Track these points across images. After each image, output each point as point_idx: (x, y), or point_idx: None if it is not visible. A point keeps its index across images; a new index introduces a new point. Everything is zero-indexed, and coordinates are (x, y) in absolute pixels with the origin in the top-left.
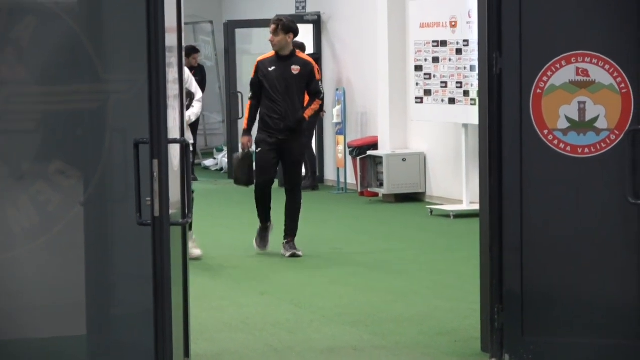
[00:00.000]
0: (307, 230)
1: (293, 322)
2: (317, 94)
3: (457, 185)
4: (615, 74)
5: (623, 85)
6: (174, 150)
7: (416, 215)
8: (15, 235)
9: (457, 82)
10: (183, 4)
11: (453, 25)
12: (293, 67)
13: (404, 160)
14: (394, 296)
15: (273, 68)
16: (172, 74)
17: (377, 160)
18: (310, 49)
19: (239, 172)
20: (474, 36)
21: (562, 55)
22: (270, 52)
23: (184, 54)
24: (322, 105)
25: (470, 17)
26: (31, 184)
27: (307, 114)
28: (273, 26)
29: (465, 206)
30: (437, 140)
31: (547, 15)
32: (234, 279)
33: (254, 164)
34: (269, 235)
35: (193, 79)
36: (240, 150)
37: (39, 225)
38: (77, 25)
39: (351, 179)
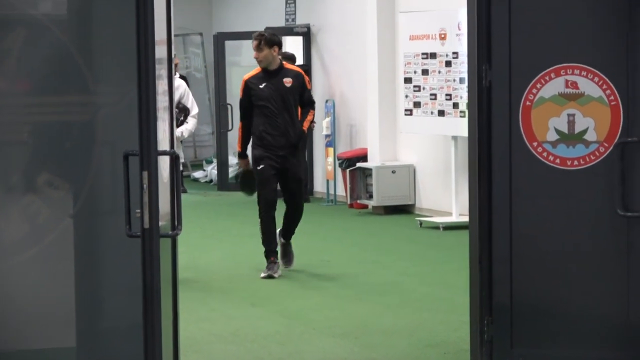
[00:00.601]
0: (297, 242)
1: (283, 334)
2: (310, 103)
3: (447, 197)
4: (605, 86)
5: (612, 97)
6: (164, 162)
7: (405, 227)
8: (5, 247)
9: (446, 95)
10: (173, 16)
11: (442, 37)
12: (285, 80)
13: (393, 172)
14: (384, 308)
15: (264, 85)
16: (161, 85)
17: (367, 172)
18: (300, 60)
19: (245, 183)
20: (463, 48)
21: (552, 68)
22: (255, 69)
23: (173, 65)
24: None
25: (459, 29)
26: (21, 196)
27: (305, 126)
28: (255, 42)
29: (454, 218)
30: (426, 152)
31: (536, 27)
32: (224, 291)
33: (257, 182)
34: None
35: (190, 93)
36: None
37: (29, 237)
38: (66, 37)
39: (341, 190)
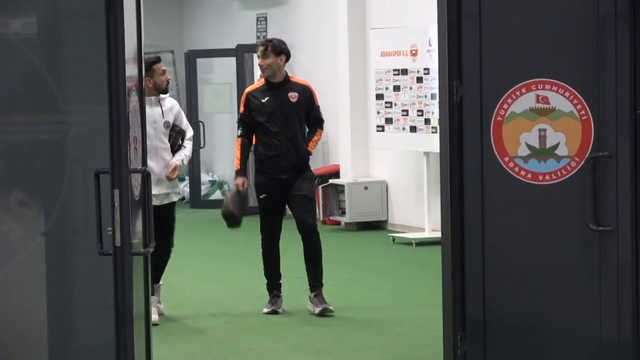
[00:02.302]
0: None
1: (256, 351)
2: (318, 122)
3: (419, 213)
4: (575, 101)
5: (583, 112)
6: (136, 180)
7: (378, 244)
8: None
9: (418, 110)
10: (143, 33)
11: (414, 53)
12: (290, 94)
13: (365, 188)
14: (357, 324)
15: (267, 99)
16: (132, 103)
17: (339, 189)
18: None
19: (231, 209)
20: (434, 64)
21: (522, 83)
22: (258, 82)
23: (144, 82)
24: None
25: (430, 45)
26: None
27: (311, 147)
28: (261, 48)
29: (427, 234)
30: (398, 168)
31: (507, 43)
32: (196, 308)
33: (260, 212)
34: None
35: (183, 114)
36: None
37: (0, 255)
38: (36, 56)
39: None
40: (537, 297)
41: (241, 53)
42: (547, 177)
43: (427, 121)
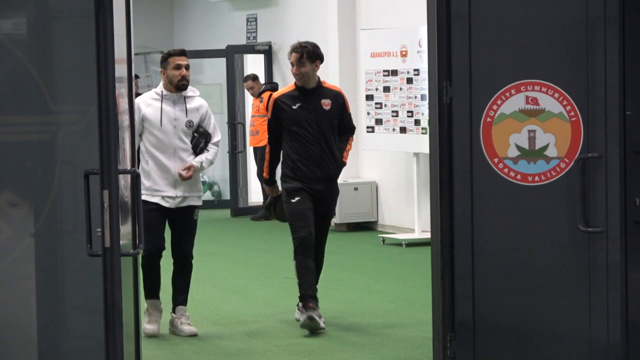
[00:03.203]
0: (260, 259)
1: (246, 352)
2: (350, 130)
3: (409, 214)
4: (565, 102)
5: (572, 113)
6: (125, 181)
7: (368, 244)
8: None
9: (408, 111)
10: (133, 34)
11: (403, 54)
12: (323, 101)
13: (355, 189)
14: (347, 325)
15: (298, 105)
16: (122, 104)
17: None
18: (262, 79)
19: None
20: (424, 65)
21: (512, 84)
22: (288, 86)
23: (134, 84)
24: None
25: (420, 46)
26: None
27: (345, 157)
28: (296, 55)
29: (417, 235)
30: (388, 169)
31: (496, 43)
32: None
33: (291, 216)
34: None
35: (212, 116)
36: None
37: None
38: (26, 57)
39: None
40: (527, 298)
41: (231, 54)
42: (537, 179)
43: (417, 122)
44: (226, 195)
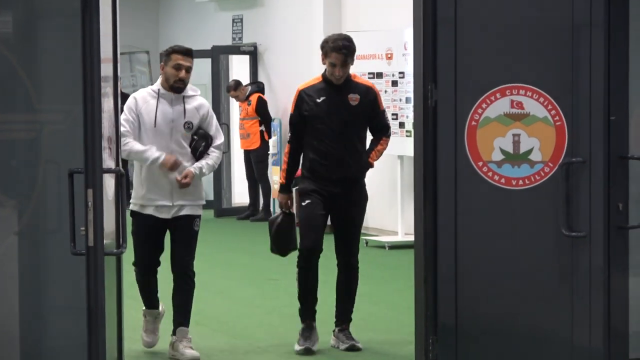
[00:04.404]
0: (243, 260)
1: (228, 352)
2: (384, 129)
3: (393, 216)
4: (550, 107)
5: (557, 117)
6: (109, 180)
7: None
8: None
9: (392, 114)
10: (119, 34)
11: (389, 57)
12: (350, 96)
13: None
14: (330, 327)
15: (323, 99)
16: (107, 104)
17: None
18: (246, 79)
19: (279, 240)
20: (409, 68)
21: (497, 88)
22: (314, 78)
23: (119, 83)
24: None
25: (406, 49)
26: None
27: (373, 158)
28: (340, 56)
29: (400, 237)
30: (372, 171)
31: (482, 47)
32: (169, 309)
33: (300, 221)
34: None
35: (214, 117)
36: (278, 210)
37: None
38: (12, 55)
39: None
40: (510, 301)
41: (216, 54)
42: (521, 182)
43: (401, 125)
44: (210, 196)
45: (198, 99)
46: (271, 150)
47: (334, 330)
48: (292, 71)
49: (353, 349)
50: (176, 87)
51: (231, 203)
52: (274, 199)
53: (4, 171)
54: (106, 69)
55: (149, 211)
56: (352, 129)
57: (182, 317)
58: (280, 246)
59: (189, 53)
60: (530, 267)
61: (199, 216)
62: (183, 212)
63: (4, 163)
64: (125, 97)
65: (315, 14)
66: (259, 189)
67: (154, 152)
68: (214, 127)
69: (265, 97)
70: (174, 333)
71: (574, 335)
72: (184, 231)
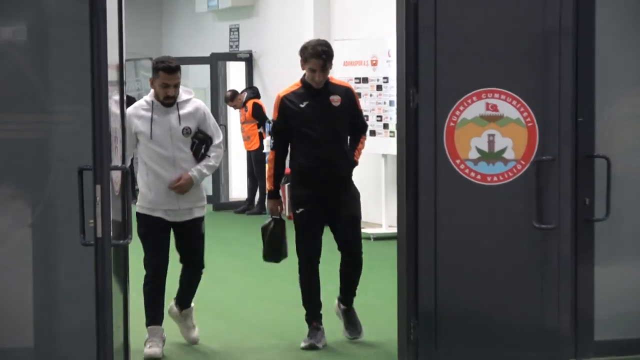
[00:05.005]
0: (240, 251)
1: (225, 337)
2: (362, 128)
3: (377, 210)
4: (522, 109)
5: (529, 119)
6: (116, 176)
7: None
8: None
9: (377, 116)
10: (125, 42)
11: (374, 63)
12: (332, 97)
13: None
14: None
15: (306, 103)
16: (114, 106)
17: None
18: (242, 84)
19: (271, 247)
20: (393, 73)
21: (474, 92)
22: (293, 85)
23: (124, 87)
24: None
25: (389, 56)
26: None
27: (357, 156)
28: (319, 62)
29: (384, 229)
30: (358, 168)
31: (460, 54)
32: (170, 296)
33: (296, 230)
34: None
35: (211, 117)
36: (269, 217)
37: None
38: (26, 61)
39: None
40: (485, 289)
41: (215, 61)
42: (495, 179)
43: (385, 126)
44: (209, 191)
45: (192, 101)
46: (265, 150)
47: (339, 305)
48: (285, 76)
49: (354, 335)
50: (166, 103)
51: (228, 198)
52: (266, 193)
53: (18, 168)
54: (113, 74)
55: (158, 214)
56: (338, 129)
57: (189, 296)
58: (274, 253)
59: (175, 70)
60: (503, 257)
61: (203, 217)
62: (190, 216)
63: (18, 160)
64: (130, 100)
65: (306, 24)
66: (257, 185)
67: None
68: (211, 126)
69: (261, 100)
70: (181, 308)
71: (544, 319)
72: (193, 235)
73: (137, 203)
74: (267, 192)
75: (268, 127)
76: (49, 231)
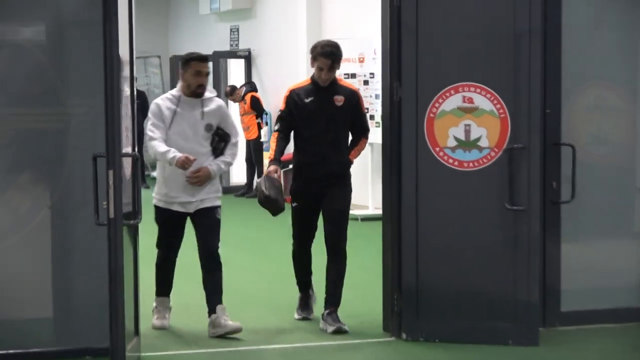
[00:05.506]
0: (237, 231)
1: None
2: (363, 131)
3: (364, 193)
4: (495, 102)
5: (502, 111)
6: (127, 163)
7: None
8: None
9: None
10: (135, 41)
11: (361, 60)
12: (336, 97)
13: None
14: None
15: (310, 99)
16: (125, 99)
17: None
18: (241, 79)
19: (269, 194)
20: (378, 69)
21: (452, 86)
22: (304, 80)
23: (135, 82)
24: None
25: (375, 54)
26: (4, 191)
27: (354, 155)
28: (327, 61)
29: (371, 211)
30: None
31: (439, 52)
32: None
33: (292, 222)
34: (313, 303)
35: (230, 116)
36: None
37: (13, 225)
38: (45, 57)
39: None
40: (462, 265)
41: (217, 58)
42: (471, 165)
43: (371, 117)
44: None
45: (215, 100)
46: (263, 139)
47: (322, 314)
48: (280, 72)
49: (340, 331)
50: (198, 92)
51: (229, 183)
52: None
53: (39, 155)
54: (124, 70)
55: (175, 207)
56: (336, 127)
57: (216, 297)
58: (268, 203)
59: (205, 59)
60: (478, 236)
61: (219, 206)
62: (204, 205)
63: (38, 148)
64: (140, 94)
65: (299, 25)
66: (255, 171)
67: (170, 153)
68: (229, 124)
69: (258, 94)
70: (211, 313)
71: (516, 292)
72: (208, 220)
73: (154, 194)
74: (269, 160)
75: (265, 118)
76: (66, 212)
